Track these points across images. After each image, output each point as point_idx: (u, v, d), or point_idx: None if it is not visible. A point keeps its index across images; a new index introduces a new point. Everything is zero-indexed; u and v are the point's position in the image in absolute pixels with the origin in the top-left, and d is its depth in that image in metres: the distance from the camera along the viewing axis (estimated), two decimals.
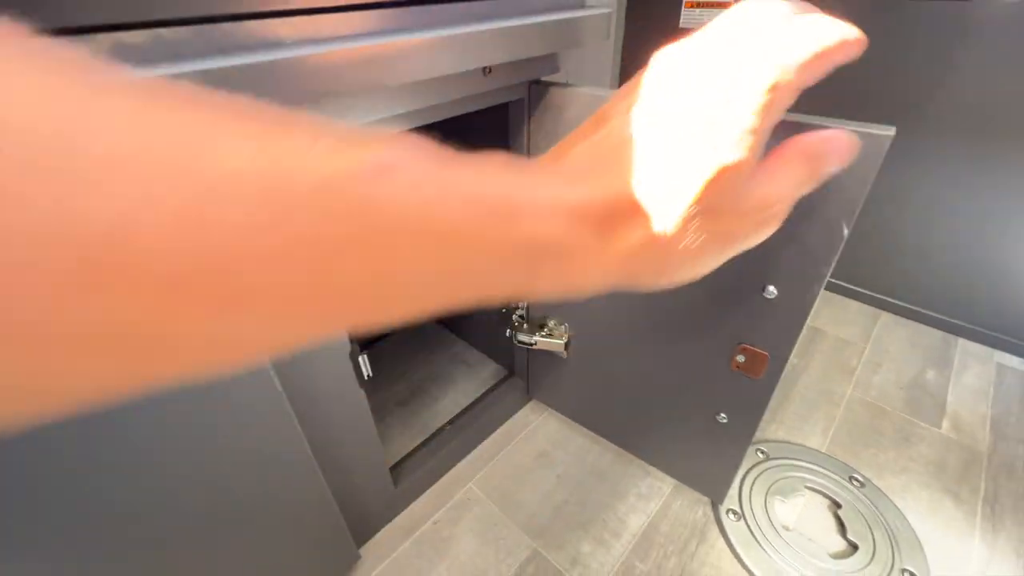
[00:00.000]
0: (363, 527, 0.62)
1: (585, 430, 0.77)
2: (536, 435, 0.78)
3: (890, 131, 0.34)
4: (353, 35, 0.32)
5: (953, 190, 0.87)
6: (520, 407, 0.82)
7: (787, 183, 0.20)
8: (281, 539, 0.48)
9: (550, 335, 0.70)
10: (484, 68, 0.44)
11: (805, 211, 0.40)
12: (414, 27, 0.35)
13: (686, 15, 1.03)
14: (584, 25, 0.46)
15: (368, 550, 0.63)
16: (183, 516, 0.39)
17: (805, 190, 0.21)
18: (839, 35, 0.17)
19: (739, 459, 0.60)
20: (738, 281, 0.48)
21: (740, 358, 0.52)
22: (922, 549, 0.61)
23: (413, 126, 0.43)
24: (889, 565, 0.60)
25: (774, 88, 0.17)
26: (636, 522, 0.65)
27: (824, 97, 0.79)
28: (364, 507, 0.60)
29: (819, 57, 0.17)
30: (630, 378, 0.65)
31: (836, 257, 0.41)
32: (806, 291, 0.44)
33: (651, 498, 0.68)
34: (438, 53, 0.35)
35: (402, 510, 0.67)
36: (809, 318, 0.45)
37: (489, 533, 0.65)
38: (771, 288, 0.46)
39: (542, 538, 0.64)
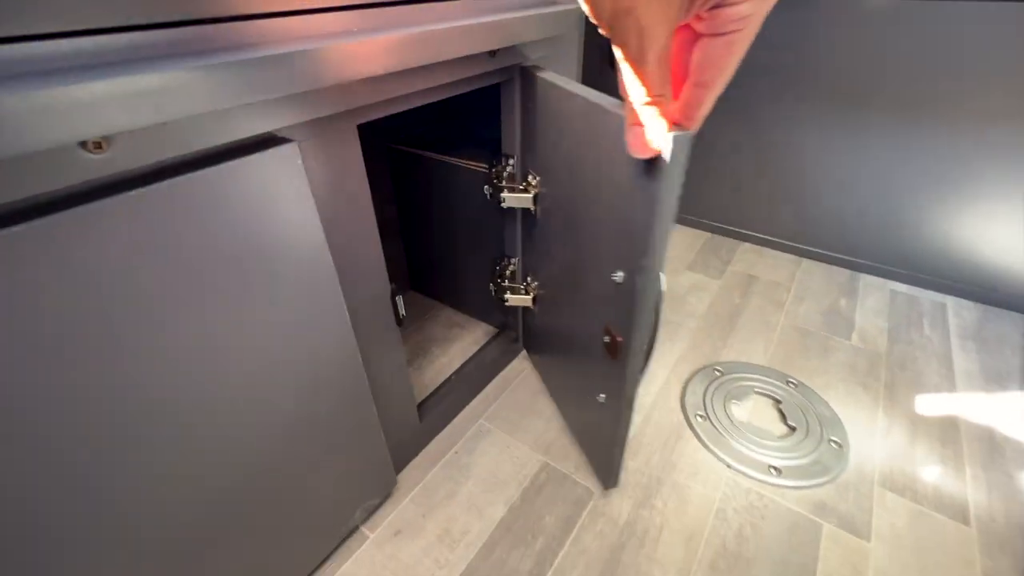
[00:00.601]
0: (397, 458, 0.70)
1: None
2: (531, 377, 0.89)
3: (688, 133, 0.34)
4: (409, 25, 0.42)
5: (841, 157, 1.07)
6: (515, 356, 0.93)
7: (651, 67, 0.27)
8: (335, 464, 0.56)
9: (525, 291, 0.81)
10: (491, 51, 0.55)
11: (627, 209, 0.44)
12: (448, 18, 0.45)
13: None
14: (565, 17, 0.58)
15: (402, 478, 0.72)
16: (256, 431, 0.46)
17: (635, 78, 0.28)
18: None
19: (616, 442, 0.60)
20: (597, 261, 0.52)
21: (606, 339, 0.54)
22: (842, 424, 0.79)
23: (437, 99, 0.53)
24: (819, 438, 0.76)
25: None
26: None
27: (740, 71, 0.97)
28: (397, 440, 0.69)
29: None
30: (560, 346, 0.75)
31: (651, 250, 0.42)
32: (638, 277, 0.46)
33: (636, 413, 0.81)
34: (468, 37, 0.45)
35: (425, 445, 0.76)
36: (659, 302, 0.47)
37: (504, 454, 0.75)
38: (619, 272, 0.48)
39: (549, 453, 0.76)
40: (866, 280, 1.15)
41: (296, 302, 0.44)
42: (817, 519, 0.66)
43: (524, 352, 0.94)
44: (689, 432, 0.79)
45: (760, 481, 0.71)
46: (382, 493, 0.68)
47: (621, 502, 0.69)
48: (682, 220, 1.38)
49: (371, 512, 0.67)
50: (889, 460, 0.74)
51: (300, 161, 0.39)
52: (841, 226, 1.16)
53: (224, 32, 0.33)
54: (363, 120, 0.46)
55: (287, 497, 0.52)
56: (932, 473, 0.72)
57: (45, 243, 0.27)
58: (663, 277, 0.46)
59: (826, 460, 0.73)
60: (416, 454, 0.75)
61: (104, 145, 0.28)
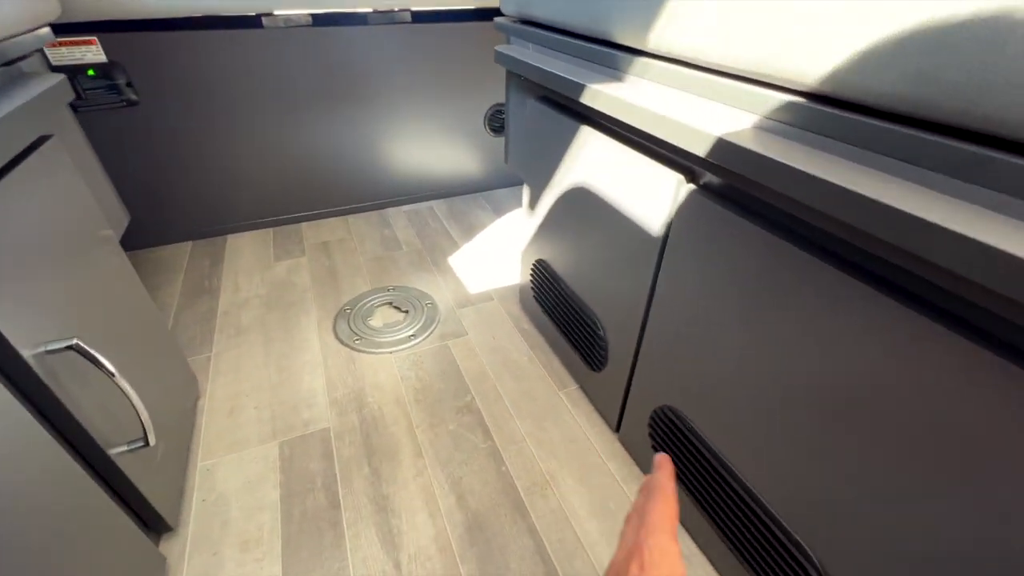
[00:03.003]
0: (152, 535, 0.69)
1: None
2: (218, 397, 0.95)
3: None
4: None
5: (337, 139, 1.48)
6: (195, 399, 0.94)
7: None
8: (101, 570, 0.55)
9: None
10: None
11: None
12: None
13: (52, 53, 1.11)
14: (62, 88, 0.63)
15: (167, 549, 0.71)
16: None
17: None
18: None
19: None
20: None
21: None
22: (428, 294, 1.27)
23: None
24: (421, 307, 1.22)
25: None
26: (319, 385, 1.00)
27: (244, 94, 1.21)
28: (146, 519, 0.67)
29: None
30: None
31: None
32: None
33: (315, 369, 1.03)
34: None
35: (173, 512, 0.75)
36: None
37: (243, 467, 0.84)
38: None
39: (276, 436, 0.89)
40: (389, 212, 1.67)
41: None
42: (445, 342, 1.12)
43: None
44: (356, 354, 1.08)
45: (409, 347, 1.10)
46: (158, 571, 0.67)
47: (350, 418, 0.93)
48: (246, 227, 1.52)
49: None
50: (454, 296, 1.27)
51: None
52: (360, 184, 1.61)
53: None
54: None
55: None
56: (473, 290, 1.30)
57: None
58: None
59: (430, 314, 1.19)
60: (169, 526, 0.74)
61: None
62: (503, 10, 0.96)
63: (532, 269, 1.08)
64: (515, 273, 1.35)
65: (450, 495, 0.81)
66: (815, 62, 0.40)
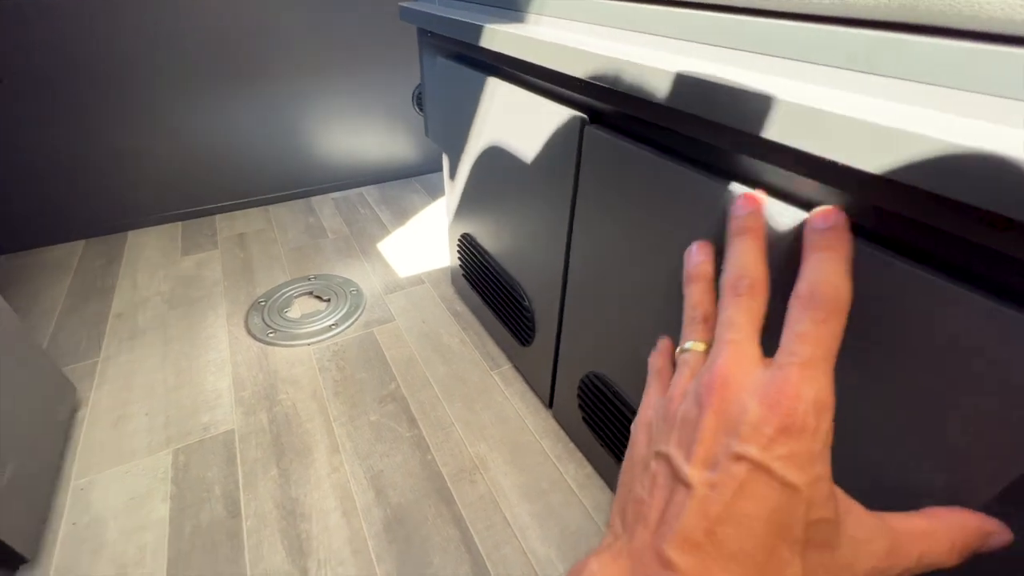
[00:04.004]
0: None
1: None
2: (105, 405, 0.83)
3: None
4: None
5: (254, 123, 1.36)
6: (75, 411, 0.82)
7: None
8: None
9: None
10: None
11: None
12: None
13: None
14: None
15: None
16: None
17: None
18: None
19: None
20: None
21: None
22: (353, 281, 1.18)
23: None
24: (345, 294, 1.12)
25: None
26: (224, 385, 0.90)
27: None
28: None
29: None
30: None
31: None
32: None
33: (220, 369, 0.93)
34: None
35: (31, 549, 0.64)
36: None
37: (127, 482, 0.73)
38: None
39: (171, 443, 0.79)
40: (315, 200, 1.56)
41: None
42: (370, 330, 1.03)
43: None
44: (269, 348, 0.98)
45: (331, 337, 1.01)
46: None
47: (259, 418, 0.84)
48: (150, 222, 1.38)
49: None
50: (382, 281, 1.19)
51: None
52: (281, 171, 1.49)
53: None
54: None
55: None
56: (403, 274, 1.21)
57: None
58: None
59: (355, 302, 1.11)
60: (23, 558, 0.63)
61: None
62: None
63: (458, 244, 1.01)
64: (447, 254, 1.28)
65: (369, 491, 0.73)
66: None
